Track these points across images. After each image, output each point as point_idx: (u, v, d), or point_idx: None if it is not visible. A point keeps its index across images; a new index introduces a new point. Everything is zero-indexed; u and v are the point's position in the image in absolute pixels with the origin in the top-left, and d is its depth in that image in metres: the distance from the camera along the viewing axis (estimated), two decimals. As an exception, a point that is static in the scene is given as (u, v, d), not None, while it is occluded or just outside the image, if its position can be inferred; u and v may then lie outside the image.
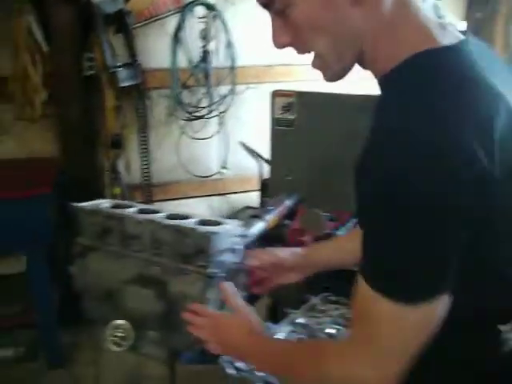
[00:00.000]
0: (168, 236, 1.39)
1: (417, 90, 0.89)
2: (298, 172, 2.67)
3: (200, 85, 3.57)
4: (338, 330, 1.57)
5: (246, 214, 1.99)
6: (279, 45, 1.02)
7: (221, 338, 1.28)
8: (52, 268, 2.94)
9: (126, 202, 1.63)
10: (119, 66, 3.22)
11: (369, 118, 0.99)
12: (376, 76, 1.01)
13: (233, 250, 1.41)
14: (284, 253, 1.54)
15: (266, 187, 2.98)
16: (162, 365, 1.50)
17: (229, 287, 1.34)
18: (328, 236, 2.08)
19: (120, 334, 1.45)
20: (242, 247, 1.44)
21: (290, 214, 2.18)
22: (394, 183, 0.83)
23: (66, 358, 3.10)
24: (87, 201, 1.58)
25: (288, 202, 2.16)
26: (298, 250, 1.57)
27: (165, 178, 3.61)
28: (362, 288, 0.92)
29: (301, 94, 2.59)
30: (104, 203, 1.59)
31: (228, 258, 1.39)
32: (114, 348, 1.47)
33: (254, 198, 3.41)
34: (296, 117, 2.60)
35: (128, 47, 3.28)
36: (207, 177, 3.60)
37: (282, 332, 1.54)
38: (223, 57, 3.62)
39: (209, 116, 3.50)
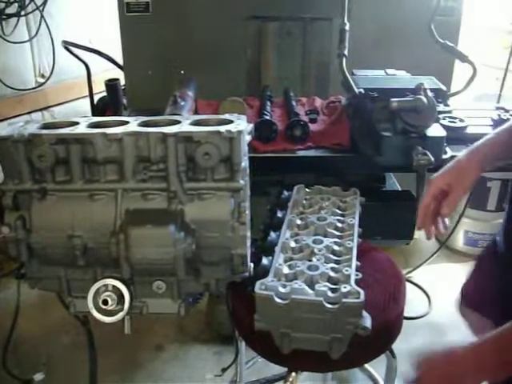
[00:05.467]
0: (170, 149, 1.07)
1: None
2: (159, 65, 2.37)
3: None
4: (341, 221, 1.45)
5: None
6: None
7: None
8: None
9: (58, 120, 1.22)
10: None
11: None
12: None
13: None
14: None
15: (112, 90, 2.58)
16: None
17: None
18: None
19: (109, 299, 1.13)
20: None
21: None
22: None
23: None
24: None
25: (191, 94, 1.89)
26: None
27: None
28: None
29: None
30: (25, 125, 1.16)
31: (246, 163, 1.15)
32: (105, 318, 1.15)
33: (83, 107, 2.97)
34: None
35: None
36: (27, 90, 2.98)
37: (285, 239, 1.37)
38: None
39: (22, 13, 2.80)
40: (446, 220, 1.39)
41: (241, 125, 1.10)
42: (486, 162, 1.32)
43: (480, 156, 1.32)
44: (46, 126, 1.16)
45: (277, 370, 2.09)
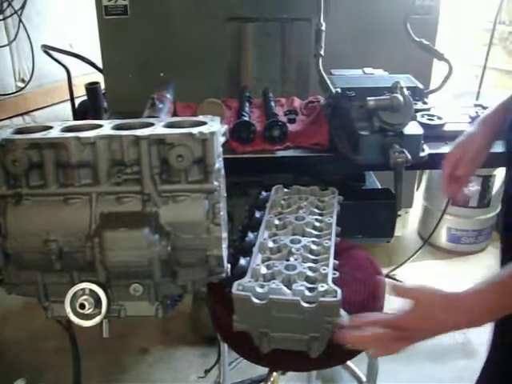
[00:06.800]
0: (143, 152, 1.08)
1: None
2: (139, 68, 2.36)
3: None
4: (319, 220, 1.45)
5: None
6: None
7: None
8: None
9: (32, 124, 1.22)
10: None
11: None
12: None
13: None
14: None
15: (93, 93, 2.58)
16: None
17: None
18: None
19: (86, 303, 1.12)
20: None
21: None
22: None
23: None
24: None
25: (169, 96, 1.90)
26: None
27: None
28: None
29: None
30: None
31: (220, 164, 1.15)
32: (83, 322, 1.15)
33: (65, 111, 2.96)
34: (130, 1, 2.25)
35: None
36: (7, 95, 2.96)
37: (263, 239, 1.37)
38: None
39: (1, 17, 2.77)
40: (470, 185, 1.49)
41: (214, 126, 1.11)
42: (490, 128, 1.44)
43: (483, 123, 1.45)
44: (19, 131, 1.15)
45: (261, 370, 2.09)
